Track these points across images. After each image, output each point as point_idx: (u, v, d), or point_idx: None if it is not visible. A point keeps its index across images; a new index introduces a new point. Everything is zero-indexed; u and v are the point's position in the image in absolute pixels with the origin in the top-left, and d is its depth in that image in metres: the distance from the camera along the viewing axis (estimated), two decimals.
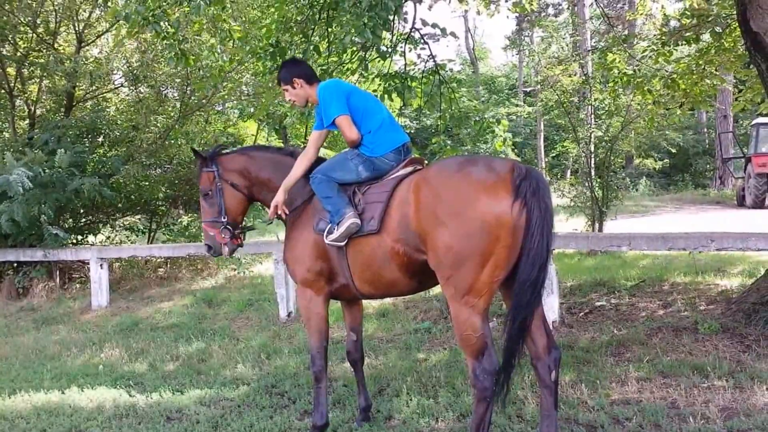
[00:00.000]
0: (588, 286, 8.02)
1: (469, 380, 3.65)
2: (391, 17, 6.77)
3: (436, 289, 7.47)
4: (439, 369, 5.48)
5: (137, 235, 13.41)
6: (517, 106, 28.02)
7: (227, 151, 4.86)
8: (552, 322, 6.52)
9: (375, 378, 5.36)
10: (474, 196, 3.46)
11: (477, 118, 8.44)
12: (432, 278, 3.76)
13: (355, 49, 8.01)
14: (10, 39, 11.80)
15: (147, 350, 6.87)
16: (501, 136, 8.52)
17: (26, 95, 12.50)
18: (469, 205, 3.45)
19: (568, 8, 23.73)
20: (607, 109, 11.36)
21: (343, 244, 4.00)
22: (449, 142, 9.06)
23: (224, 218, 4.59)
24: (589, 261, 10.09)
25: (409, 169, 4.12)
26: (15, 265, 10.91)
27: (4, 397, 5.52)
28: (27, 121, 12.58)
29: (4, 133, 12.74)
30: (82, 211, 11.96)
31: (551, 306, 6.54)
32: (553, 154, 19.32)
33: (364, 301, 8.15)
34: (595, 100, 11.47)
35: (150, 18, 6.81)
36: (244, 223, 4.89)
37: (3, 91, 12.08)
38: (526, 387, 4.83)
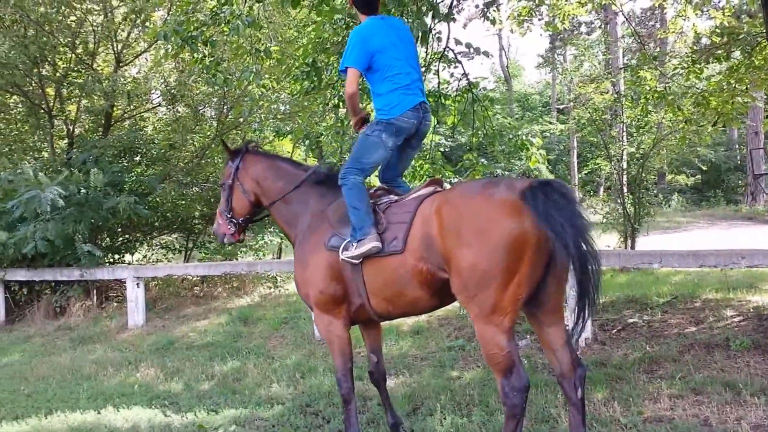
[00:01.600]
0: (620, 302, 7.93)
1: (499, 398, 3.66)
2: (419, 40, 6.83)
3: None
4: (473, 387, 5.45)
5: (173, 254, 13.59)
6: (550, 123, 27.88)
7: (255, 147, 4.98)
8: (584, 339, 6.47)
9: (409, 396, 5.34)
10: (497, 216, 3.50)
11: (511, 136, 8.43)
12: (452, 296, 3.78)
13: None
14: (49, 59, 12.11)
15: (182, 369, 6.93)
16: (536, 153, 8.50)
17: (65, 115, 12.79)
18: (493, 224, 3.49)
19: (600, 27, 23.61)
20: (638, 126, 11.30)
21: (358, 262, 4.00)
22: (483, 159, 9.07)
23: (230, 213, 4.80)
24: (621, 278, 10.01)
25: (430, 189, 4.12)
26: (52, 284, 11.12)
27: (41, 417, 5.60)
28: (66, 141, 12.85)
29: (43, 152, 13.04)
30: (119, 230, 12.16)
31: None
32: (586, 171, 19.17)
33: (401, 319, 8.20)
34: (627, 117, 11.40)
35: (188, 39, 6.99)
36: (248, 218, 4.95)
37: (42, 110, 12.38)
38: (559, 405, 4.77)
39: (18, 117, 13.39)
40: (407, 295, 3.93)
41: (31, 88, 12.23)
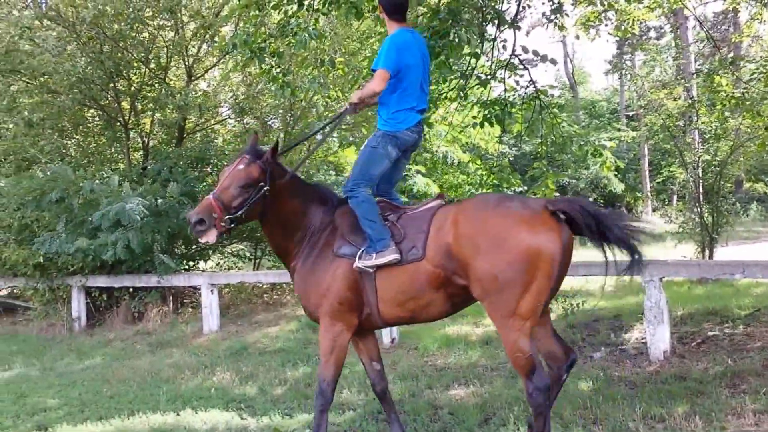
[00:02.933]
0: (699, 315, 7.69)
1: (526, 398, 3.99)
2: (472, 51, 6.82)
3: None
4: None
5: (243, 262, 13.89)
6: (619, 130, 27.25)
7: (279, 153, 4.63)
8: (663, 352, 6.29)
9: (480, 406, 5.31)
10: (515, 229, 3.85)
11: (582, 142, 8.31)
12: (464, 302, 4.19)
13: (454, 77, 8.10)
14: (124, 74, 12.59)
15: (256, 374, 7.08)
16: (607, 160, 8.35)
17: (140, 127, 13.27)
18: (510, 235, 3.84)
19: (670, 31, 22.99)
20: (714, 132, 10.94)
21: (372, 271, 4.13)
22: (550, 168, 8.97)
23: (239, 213, 4.30)
24: (699, 289, 9.67)
25: (438, 201, 4.37)
26: (131, 290, 11.52)
27: (124, 418, 5.81)
28: (141, 152, 13.33)
29: (119, 164, 13.57)
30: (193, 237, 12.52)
31: (661, 336, 6.31)
32: (659, 180, 18.65)
33: (470, 329, 8.15)
34: (702, 123, 11.06)
35: (256, 51, 7.18)
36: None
37: (118, 123, 12.86)
38: (637, 419, 4.65)
39: (96, 130, 13.97)
40: (421, 300, 4.16)
41: (107, 102, 12.74)
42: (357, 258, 4.15)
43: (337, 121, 5.54)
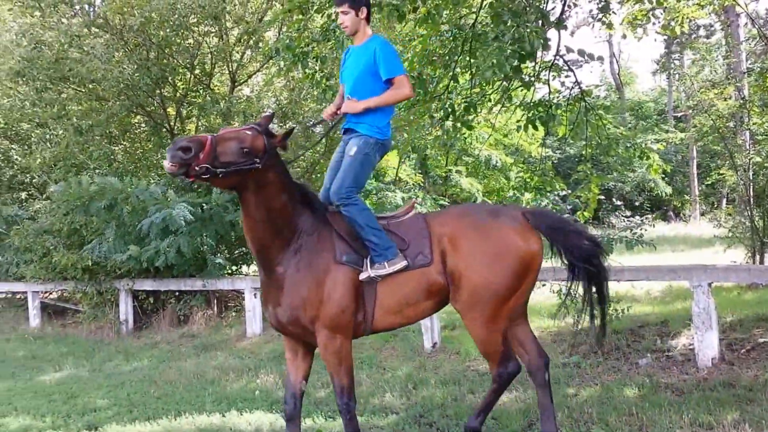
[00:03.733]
0: (749, 321, 7.45)
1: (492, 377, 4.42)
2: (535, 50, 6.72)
3: (585, 323, 7.24)
4: (591, 405, 5.29)
5: None
6: (667, 132, 26.66)
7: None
8: (711, 359, 6.12)
9: (524, 412, 5.26)
10: (511, 241, 4.16)
11: (628, 144, 8.14)
12: (441, 307, 4.40)
13: (497, 80, 8.01)
14: (170, 81, 12.83)
15: None
16: (654, 163, 8.16)
17: (185, 133, 13.49)
18: (509, 248, 4.15)
19: (721, 29, 22.45)
20: (766, 133, 10.62)
21: (379, 278, 4.11)
22: (595, 171, 8.81)
23: (220, 171, 3.81)
24: (749, 295, 9.39)
25: (415, 210, 4.49)
26: (176, 294, 11.71)
27: (171, 418, 5.90)
28: None
29: None
30: (236, 242, 12.68)
31: (710, 342, 6.15)
32: (708, 183, 18.18)
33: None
34: (753, 124, 10.73)
35: (299, 56, 7.24)
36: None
37: (165, 129, 13.11)
38: (685, 425, 4.52)
39: (142, 136, 14.27)
40: (419, 305, 4.25)
41: (153, 108, 13.00)
42: (367, 267, 4.08)
43: (334, 125, 5.12)
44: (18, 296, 14.67)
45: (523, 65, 6.35)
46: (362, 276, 4.08)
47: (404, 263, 4.10)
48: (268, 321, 10.32)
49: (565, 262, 4.40)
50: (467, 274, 4.10)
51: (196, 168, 3.75)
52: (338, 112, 4.57)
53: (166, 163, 3.75)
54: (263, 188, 4.00)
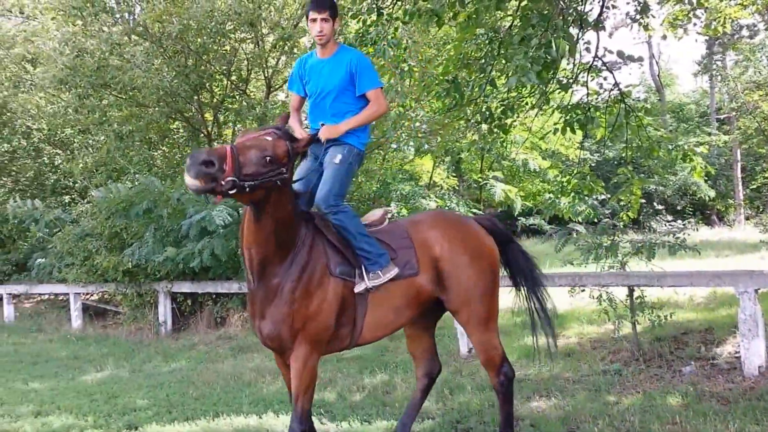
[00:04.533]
0: None
1: (495, 388, 4.51)
2: (563, 57, 6.61)
3: (626, 329, 7.11)
4: (633, 413, 5.18)
5: None
6: (709, 134, 26.08)
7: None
8: (758, 367, 5.97)
9: (563, 419, 5.17)
10: (484, 242, 4.45)
11: (671, 147, 7.96)
12: (425, 316, 4.50)
13: (525, 85, 7.90)
14: (207, 87, 13.01)
15: (334, 380, 7.12)
16: (697, 166, 7.97)
17: (223, 138, 13.65)
18: (484, 249, 4.42)
19: (765, 29, 21.92)
20: None
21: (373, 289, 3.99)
22: (636, 174, 8.63)
23: (247, 185, 3.46)
24: None
25: (388, 216, 4.50)
26: (214, 296, 11.81)
27: (209, 419, 5.94)
28: None
29: None
30: None
31: (756, 350, 5.99)
32: (753, 186, 17.72)
33: (563, 342, 7.93)
34: None
35: None
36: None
37: (202, 135, 13.29)
38: None
39: (180, 141, 14.49)
40: (404, 316, 4.21)
41: (191, 113, 13.19)
42: (364, 277, 3.91)
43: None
44: (60, 298, 14.97)
45: (548, 72, 6.23)
46: (359, 288, 3.92)
47: (395, 270, 4.02)
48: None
49: (508, 271, 4.76)
50: (456, 274, 4.23)
51: (223, 183, 3.38)
52: (321, 138, 4.17)
53: (190, 180, 3.34)
54: (278, 198, 3.68)
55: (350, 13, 7.39)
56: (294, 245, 3.84)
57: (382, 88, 4.35)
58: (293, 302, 3.78)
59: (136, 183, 11.01)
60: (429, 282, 4.21)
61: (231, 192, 3.42)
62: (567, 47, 5.92)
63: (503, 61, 7.56)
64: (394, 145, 15.25)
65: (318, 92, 4.34)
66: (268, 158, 3.53)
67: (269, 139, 3.61)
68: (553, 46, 5.57)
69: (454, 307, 4.30)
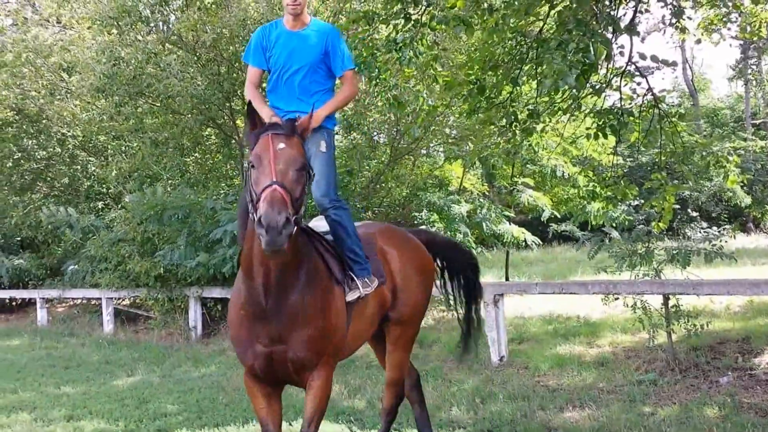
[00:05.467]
0: None
1: (385, 409, 4.61)
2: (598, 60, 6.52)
3: (661, 338, 6.96)
4: (669, 424, 5.08)
5: None
6: (745, 140, 25.56)
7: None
8: None
9: (597, 430, 5.08)
10: (429, 260, 4.50)
11: (704, 153, 7.81)
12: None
13: (560, 90, 7.81)
14: (239, 94, 13.12)
15: (364, 387, 7.09)
16: (732, 171, 7.81)
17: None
18: (428, 267, 4.46)
19: None
20: None
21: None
22: (669, 180, 8.48)
23: (301, 211, 3.17)
24: None
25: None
26: None
27: (239, 425, 5.95)
28: None
29: (234, 180, 14.10)
30: None
31: None
32: None
33: (583, 349, 7.83)
34: None
35: (361, 65, 7.24)
36: None
37: (234, 141, 13.39)
38: None
39: (213, 148, 14.62)
40: (374, 326, 4.08)
41: (223, 120, 13.31)
42: (357, 285, 3.63)
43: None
44: (93, 302, 15.18)
45: (584, 77, 6.15)
46: (352, 296, 3.61)
47: (383, 278, 3.90)
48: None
49: (446, 275, 4.82)
50: (408, 289, 4.17)
51: (293, 223, 2.96)
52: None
53: (270, 248, 2.86)
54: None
55: (380, 18, 7.38)
56: (300, 251, 3.37)
57: (355, 69, 4.08)
58: (318, 318, 3.39)
59: (171, 194, 11.10)
60: (390, 293, 4.06)
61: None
62: (605, 51, 5.85)
63: (533, 66, 7.48)
64: (424, 151, 15.20)
65: (285, 67, 3.90)
66: (302, 167, 3.17)
67: (283, 145, 3.14)
68: (591, 50, 5.51)
69: (397, 319, 4.16)
